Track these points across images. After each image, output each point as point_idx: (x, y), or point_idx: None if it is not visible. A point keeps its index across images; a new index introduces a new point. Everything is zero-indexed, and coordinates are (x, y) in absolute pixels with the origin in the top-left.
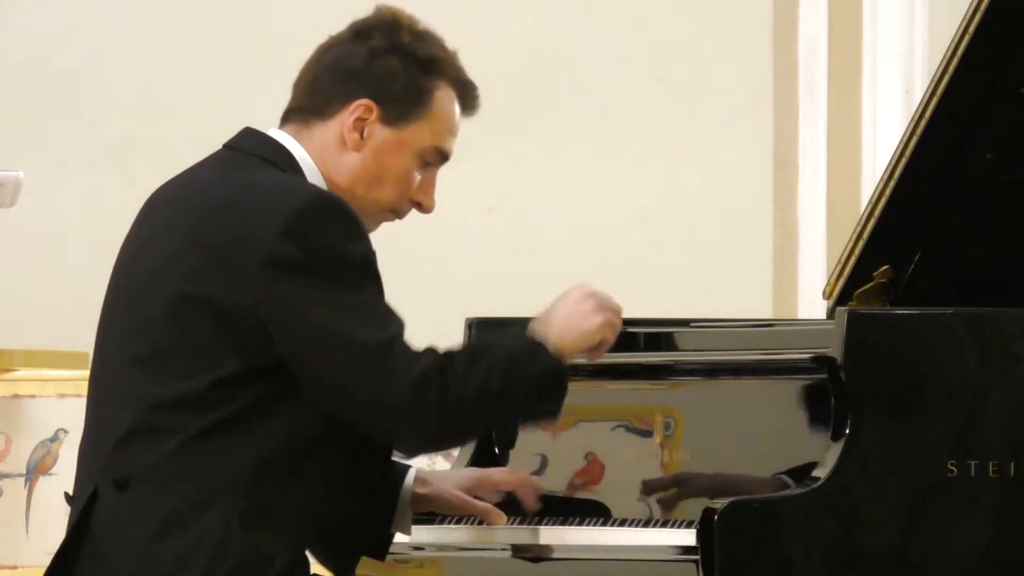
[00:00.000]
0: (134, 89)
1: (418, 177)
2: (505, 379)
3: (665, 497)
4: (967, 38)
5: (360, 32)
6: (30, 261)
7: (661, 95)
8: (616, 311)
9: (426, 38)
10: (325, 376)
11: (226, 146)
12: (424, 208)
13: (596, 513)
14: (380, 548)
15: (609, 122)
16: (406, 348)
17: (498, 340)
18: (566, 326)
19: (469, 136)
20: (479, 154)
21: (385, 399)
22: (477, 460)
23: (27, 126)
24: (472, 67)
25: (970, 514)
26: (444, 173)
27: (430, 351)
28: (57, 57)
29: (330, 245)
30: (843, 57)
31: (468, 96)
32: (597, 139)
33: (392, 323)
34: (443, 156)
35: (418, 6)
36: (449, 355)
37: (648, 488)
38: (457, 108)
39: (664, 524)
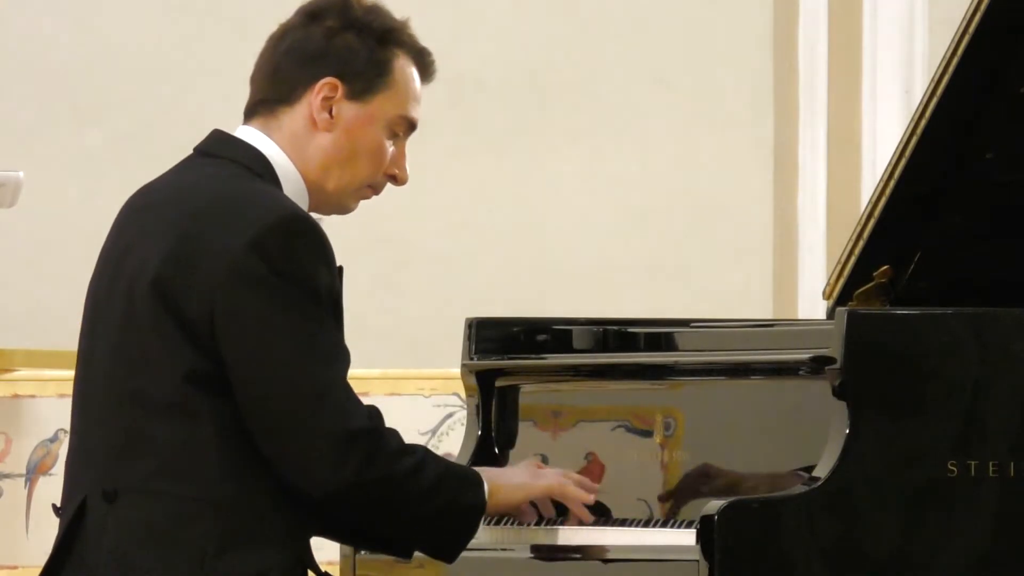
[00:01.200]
0: (134, 89)
1: (390, 149)
2: (435, 487)
3: (665, 497)
4: (967, 38)
5: (312, 14)
6: (30, 261)
7: (661, 95)
8: (572, 483)
9: (377, 11)
10: (258, 397)
11: (197, 151)
12: (399, 180)
13: (596, 513)
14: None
15: (609, 122)
16: (347, 395)
17: (442, 457)
18: (506, 479)
19: (469, 136)
20: (479, 154)
21: (308, 439)
22: (476, 460)
23: (27, 126)
24: (473, 68)
25: (970, 514)
26: (445, 173)
27: (374, 409)
28: (57, 57)
29: (295, 267)
30: (843, 57)
31: (425, 63)
32: (597, 139)
33: (338, 361)
34: (411, 125)
35: (420, 7)
36: (391, 429)
37: (675, 490)
38: (417, 76)
39: (664, 524)
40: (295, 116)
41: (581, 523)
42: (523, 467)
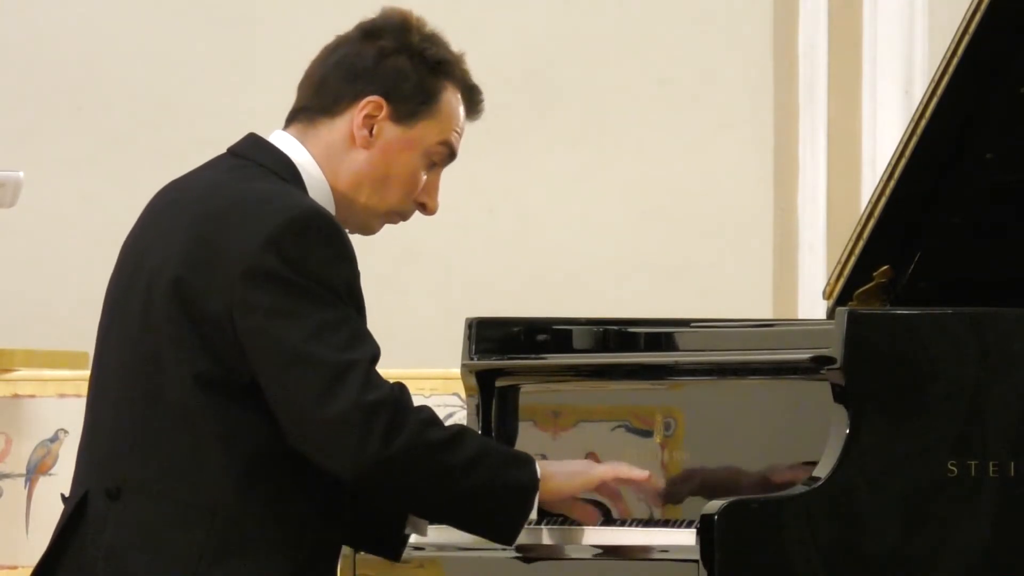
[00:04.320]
0: (134, 89)
1: (424, 177)
2: (476, 460)
3: (668, 497)
4: (967, 38)
5: (369, 32)
6: (30, 261)
7: (662, 95)
8: (621, 474)
9: (434, 40)
10: (277, 388)
11: (231, 151)
12: (428, 210)
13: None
14: (395, 548)
15: (610, 122)
16: (368, 373)
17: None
18: (561, 468)
19: (470, 136)
20: (480, 154)
21: (325, 414)
22: None
23: (27, 126)
24: (473, 67)
25: (970, 514)
26: (445, 173)
27: (399, 384)
28: (57, 57)
29: (312, 262)
30: (843, 57)
31: (474, 100)
32: (598, 139)
33: (362, 347)
34: (451, 154)
35: (421, 6)
36: (422, 406)
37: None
38: (463, 110)
39: (664, 524)
40: (334, 128)
41: (581, 523)
42: (576, 461)
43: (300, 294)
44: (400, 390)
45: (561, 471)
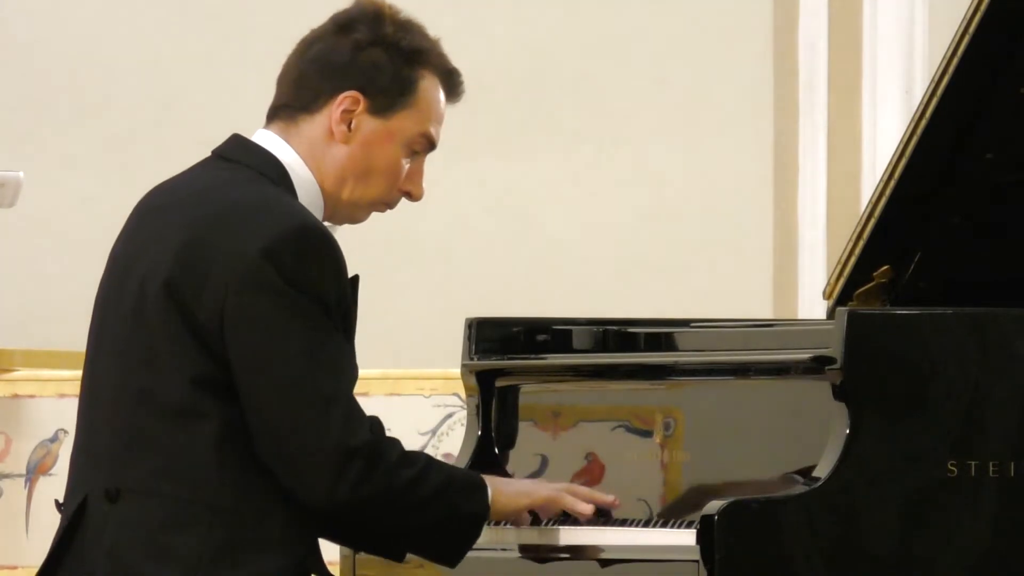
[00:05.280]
0: (134, 88)
1: (406, 166)
2: (437, 494)
3: (665, 497)
4: (967, 38)
5: (343, 25)
6: (30, 261)
7: (661, 95)
8: (570, 490)
9: (409, 28)
10: (261, 405)
11: (216, 154)
12: (413, 197)
13: (596, 513)
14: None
15: (609, 122)
16: (351, 408)
17: (446, 464)
18: (512, 486)
19: (470, 136)
20: (480, 154)
21: (309, 451)
22: (476, 460)
23: (27, 126)
24: (473, 68)
25: (970, 514)
26: (445, 173)
27: (375, 420)
28: (57, 57)
29: (307, 278)
30: (843, 57)
31: (453, 83)
32: (597, 139)
33: (345, 374)
34: (431, 143)
35: (420, 7)
36: (392, 440)
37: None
38: (442, 96)
39: (664, 524)
40: (314, 125)
41: (583, 522)
42: (528, 480)
43: (293, 309)
44: (378, 429)
45: (509, 489)
